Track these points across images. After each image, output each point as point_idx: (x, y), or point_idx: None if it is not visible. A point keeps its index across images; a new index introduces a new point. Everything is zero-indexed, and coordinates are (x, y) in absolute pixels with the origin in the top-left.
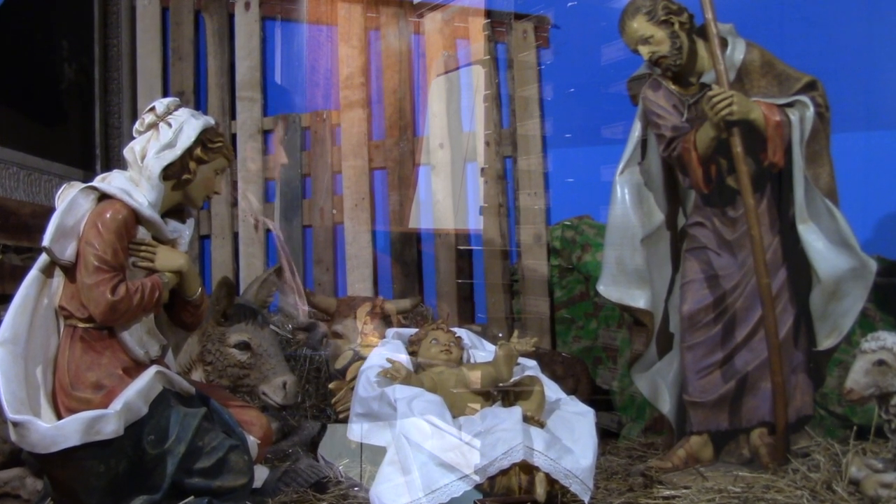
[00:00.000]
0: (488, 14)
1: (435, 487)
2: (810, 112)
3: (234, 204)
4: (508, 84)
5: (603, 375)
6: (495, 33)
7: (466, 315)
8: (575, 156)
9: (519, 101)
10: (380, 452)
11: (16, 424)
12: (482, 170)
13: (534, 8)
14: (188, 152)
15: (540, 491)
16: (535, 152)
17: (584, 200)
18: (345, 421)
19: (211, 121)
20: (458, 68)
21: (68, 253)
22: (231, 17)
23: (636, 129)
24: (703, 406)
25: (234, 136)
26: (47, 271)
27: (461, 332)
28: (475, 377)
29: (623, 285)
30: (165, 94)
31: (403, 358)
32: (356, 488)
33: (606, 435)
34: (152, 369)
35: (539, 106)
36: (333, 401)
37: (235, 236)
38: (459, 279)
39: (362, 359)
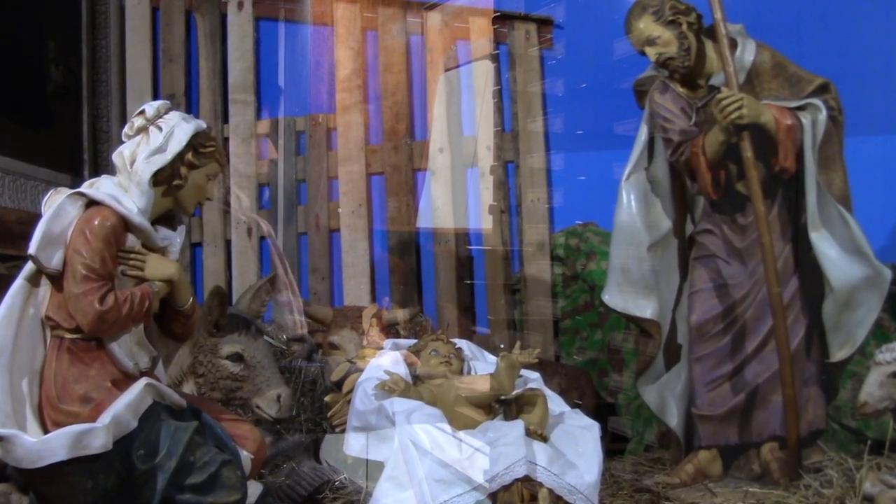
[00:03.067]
0: (496, 13)
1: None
2: (823, 115)
3: (227, 210)
4: (510, 87)
5: (616, 381)
6: (497, 34)
7: (467, 325)
8: (579, 160)
9: (521, 105)
10: (378, 467)
11: (1, 439)
12: (491, 167)
13: (539, 7)
14: (179, 157)
15: None
16: (538, 156)
17: (588, 206)
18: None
19: (203, 124)
20: (465, 64)
21: (55, 261)
22: (224, 17)
23: (643, 133)
24: (711, 419)
25: (226, 141)
26: (33, 280)
27: (462, 342)
28: (476, 389)
29: (629, 294)
30: (156, 96)
31: (402, 370)
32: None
33: (618, 439)
34: (142, 382)
35: (542, 109)
36: (329, 414)
37: (228, 244)
38: (460, 288)
39: (359, 371)
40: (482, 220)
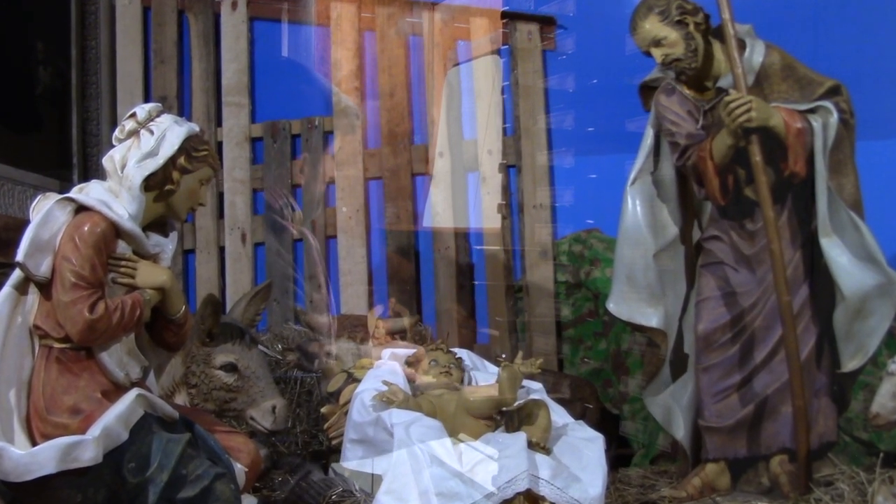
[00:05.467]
0: (504, 15)
1: None
2: (834, 118)
3: (220, 216)
4: (512, 89)
5: (621, 391)
6: (498, 36)
7: (468, 334)
8: (584, 163)
9: (524, 106)
10: (377, 480)
11: None
12: (499, 165)
13: (545, 3)
14: (171, 161)
15: None
16: (541, 160)
17: (592, 211)
18: (338, 448)
19: (195, 128)
20: (468, 63)
21: (43, 268)
22: (217, 17)
23: (648, 137)
24: (719, 431)
25: (220, 144)
26: (21, 288)
27: (462, 352)
28: (477, 401)
29: (634, 303)
30: (147, 99)
31: (400, 380)
32: None
33: (628, 444)
34: (133, 392)
35: (545, 111)
36: (326, 426)
37: (221, 251)
38: (460, 296)
39: (357, 381)
40: (488, 222)
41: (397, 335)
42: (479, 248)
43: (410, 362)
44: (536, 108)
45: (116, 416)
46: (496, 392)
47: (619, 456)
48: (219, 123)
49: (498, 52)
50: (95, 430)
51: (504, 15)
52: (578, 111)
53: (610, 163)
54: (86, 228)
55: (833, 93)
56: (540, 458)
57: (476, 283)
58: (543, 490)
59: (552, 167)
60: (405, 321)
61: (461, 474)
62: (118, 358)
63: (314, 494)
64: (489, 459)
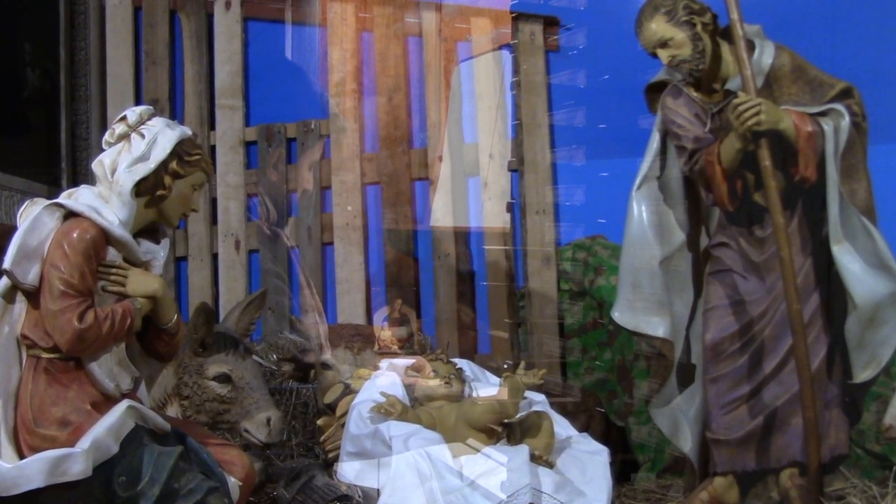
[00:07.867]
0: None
1: None
2: (845, 122)
3: (214, 222)
4: (515, 91)
5: (626, 402)
6: (502, 36)
7: (468, 344)
8: (588, 167)
9: (526, 110)
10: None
11: None
12: (509, 162)
13: (547, 4)
14: (163, 166)
15: None
16: (543, 166)
17: (597, 216)
18: (335, 461)
19: (188, 131)
20: (474, 59)
21: (31, 276)
22: (210, 17)
23: (654, 141)
24: (727, 444)
25: (213, 148)
26: (8, 296)
27: (462, 362)
28: (478, 412)
29: (640, 312)
30: (138, 102)
31: (399, 391)
32: None
33: (628, 449)
34: (123, 404)
35: (548, 113)
36: (322, 438)
37: (215, 258)
38: (461, 304)
39: (354, 392)
40: (493, 223)
41: (403, 341)
42: (484, 247)
43: (415, 369)
44: (539, 110)
45: (106, 428)
46: (498, 403)
47: (622, 461)
48: (212, 127)
49: (511, 44)
50: (85, 443)
51: (502, 20)
52: (582, 113)
53: (615, 166)
54: (75, 235)
55: (845, 95)
56: (543, 471)
57: (481, 283)
58: None
59: (556, 172)
60: (412, 326)
61: (462, 488)
62: (108, 368)
63: (317, 498)
64: (491, 473)
